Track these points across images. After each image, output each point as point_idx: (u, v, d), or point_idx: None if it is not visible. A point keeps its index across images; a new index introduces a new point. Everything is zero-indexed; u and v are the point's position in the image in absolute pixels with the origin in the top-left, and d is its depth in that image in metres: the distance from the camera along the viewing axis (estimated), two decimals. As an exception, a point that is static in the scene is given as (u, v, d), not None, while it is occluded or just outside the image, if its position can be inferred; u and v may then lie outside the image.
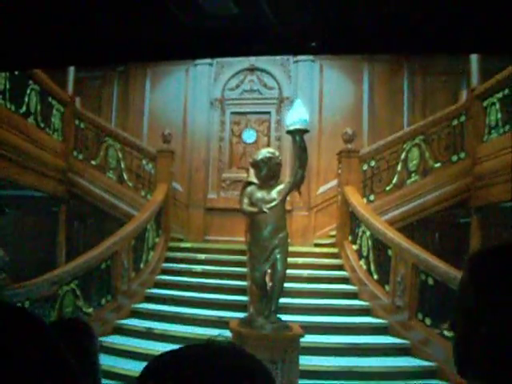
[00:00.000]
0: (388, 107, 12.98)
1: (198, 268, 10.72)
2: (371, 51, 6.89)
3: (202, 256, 11.07)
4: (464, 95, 10.99)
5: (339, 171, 11.30)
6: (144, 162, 11.77)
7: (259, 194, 7.26)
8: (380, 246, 9.89)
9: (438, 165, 10.98)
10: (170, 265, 11.00)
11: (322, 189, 12.92)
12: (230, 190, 13.12)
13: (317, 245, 12.34)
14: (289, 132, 7.07)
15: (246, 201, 7.34)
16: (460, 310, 1.41)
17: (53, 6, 2.87)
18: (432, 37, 2.92)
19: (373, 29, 2.83)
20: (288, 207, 12.42)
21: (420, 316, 8.77)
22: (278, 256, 7.08)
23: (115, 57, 3.92)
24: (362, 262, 10.36)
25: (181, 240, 12.29)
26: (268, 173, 7.24)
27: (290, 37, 2.95)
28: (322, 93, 13.13)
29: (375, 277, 10.00)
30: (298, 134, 6.97)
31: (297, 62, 13.12)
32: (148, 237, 10.59)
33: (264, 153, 7.31)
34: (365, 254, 10.34)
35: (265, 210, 6.97)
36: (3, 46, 3.27)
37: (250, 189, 7.39)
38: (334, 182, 12.70)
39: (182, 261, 11.08)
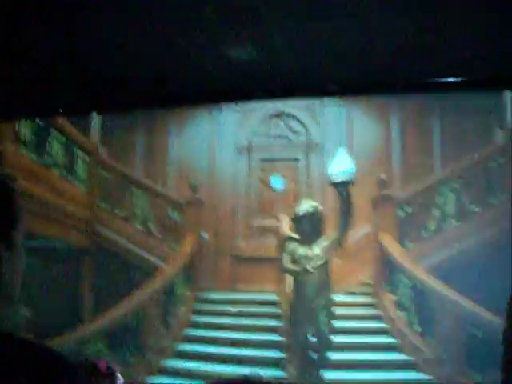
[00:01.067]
0: (418, 148, 12.33)
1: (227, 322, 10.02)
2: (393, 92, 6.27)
3: (232, 308, 10.32)
4: (500, 134, 10.30)
5: (374, 217, 10.60)
6: (171, 211, 11.13)
7: (301, 251, 6.64)
8: (422, 297, 9.14)
9: (477, 209, 10.26)
10: (199, 318, 10.29)
11: (353, 235, 12.18)
12: (259, 238, 12.44)
13: (350, 293, 11.63)
14: (333, 184, 6.41)
15: (287, 258, 6.68)
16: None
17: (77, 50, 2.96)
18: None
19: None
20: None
21: (468, 370, 7.98)
22: (323, 319, 6.40)
23: (144, 104, 4.04)
24: (402, 313, 9.60)
25: (209, 290, 11.60)
26: (311, 228, 6.60)
27: (310, 80, 2.93)
28: (351, 136, 12.50)
29: (418, 329, 9.23)
30: (343, 187, 6.32)
31: (323, 106, 12.53)
32: (176, 290, 9.91)
33: (306, 207, 6.68)
34: (406, 305, 9.59)
35: (310, 269, 6.31)
36: (28, 92, 3.28)
37: (291, 245, 6.73)
38: (366, 229, 12.04)
39: (210, 314, 10.37)
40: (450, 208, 10.51)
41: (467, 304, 8.30)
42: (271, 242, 12.25)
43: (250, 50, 2.70)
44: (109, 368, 2.29)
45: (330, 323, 6.47)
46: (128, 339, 8.75)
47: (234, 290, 12.03)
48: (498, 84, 3.81)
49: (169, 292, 9.71)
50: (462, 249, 10.20)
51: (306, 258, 6.52)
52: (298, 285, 6.62)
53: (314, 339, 6.64)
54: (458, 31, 2.70)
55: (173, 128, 13.08)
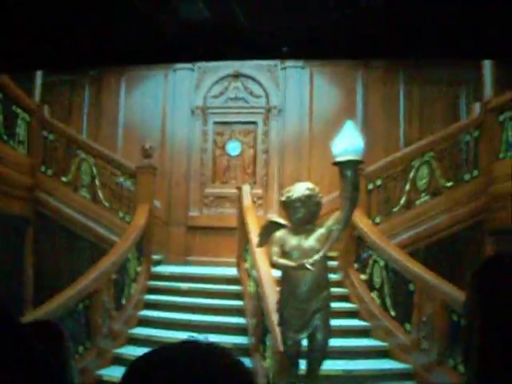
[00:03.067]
0: (383, 117, 11.31)
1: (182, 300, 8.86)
2: (344, 56, 5.75)
3: (185, 286, 9.07)
4: (476, 108, 9.31)
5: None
6: (121, 178, 9.69)
7: (293, 241, 5.40)
8: (398, 279, 8.10)
9: (449, 184, 9.40)
10: (153, 297, 8.99)
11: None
12: (213, 207, 11.20)
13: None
14: (338, 164, 5.14)
15: (276, 249, 5.42)
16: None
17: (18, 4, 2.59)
18: (430, 41, 2.68)
19: (347, 32, 2.65)
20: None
21: (451, 362, 6.97)
22: (319, 322, 5.22)
23: (87, 60, 3.51)
24: (374, 295, 8.59)
25: (159, 262, 10.28)
26: (306, 215, 5.36)
27: (262, 41, 2.74)
28: (313, 101, 11.39)
29: (392, 313, 8.21)
30: (350, 167, 5.08)
31: (285, 68, 11.34)
32: (129, 267, 8.59)
33: (301, 189, 5.42)
34: (377, 285, 8.56)
35: (308, 266, 5.07)
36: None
37: (280, 234, 5.49)
38: (327, 198, 10.93)
39: (164, 292, 9.08)
40: (423, 183, 9.49)
41: (449, 289, 7.26)
42: (227, 212, 11.09)
43: (201, 8, 2.51)
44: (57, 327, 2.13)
45: (326, 328, 5.29)
46: (77, 326, 7.40)
47: (188, 262, 10.82)
48: (478, 54, 3.67)
49: (121, 269, 8.36)
50: (432, 225, 9.25)
51: (300, 250, 5.30)
52: (288, 282, 5.38)
53: (305, 345, 5.45)
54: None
55: (123, 87, 11.58)
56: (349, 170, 5.15)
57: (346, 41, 2.79)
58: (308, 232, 5.43)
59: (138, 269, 8.98)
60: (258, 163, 11.26)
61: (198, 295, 8.94)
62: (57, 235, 9.57)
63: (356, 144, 5.23)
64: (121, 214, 9.61)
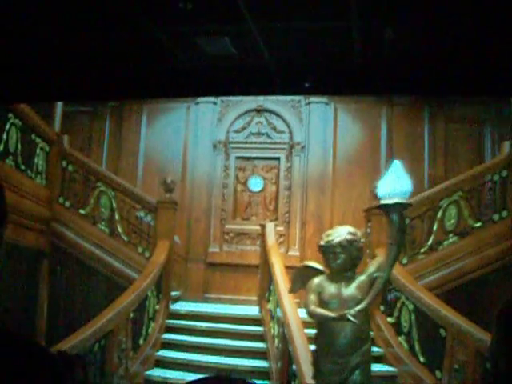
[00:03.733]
0: (407, 155, 10.73)
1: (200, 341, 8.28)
2: (367, 92, 5.85)
3: (204, 325, 8.49)
4: (505, 147, 8.83)
5: (368, 230, 8.94)
6: (142, 213, 9.17)
7: (332, 289, 4.86)
8: (428, 324, 7.51)
9: (477, 224, 8.84)
10: (171, 336, 8.42)
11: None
12: (233, 244, 10.66)
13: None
14: (384, 206, 4.61)
15: (313, 298, 4.88)
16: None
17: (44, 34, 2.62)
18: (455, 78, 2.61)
19: (366, 70, 2.61)
20: (297, 263, 10.20)
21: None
22: (359, 378, 4.64)
23: (112, 92, 3.49)
24: (401, 339, 7.98)
25: (177, 299, 9.71)
26: (346, 261, 4.83)
27: (285, 77, 2.70)
28: (336, 138, 10.92)
29: (421, 359, 7.60)
30: (397, 211, 4.56)
31: (309, 103, 10.91)
32: (149, 306, 8.03)
33: (343, 233, 4.88)
34: (405, 329, 7.96)
35: (351, 318, 4.52)
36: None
37: (317, 281, 4.95)
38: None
39: (182, 331, 8.51)
40: (451, 223, 8.95)
41: (483, 335, 6.66)
42: (248, 249, 10.57)
43: (227, 43, 2.42)
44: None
45: (365, 385, 4.71)
46: (92, 367, 6.83)
47: (206, 300, 10.25)
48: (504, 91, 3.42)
49: (140, 308, 7.80)
50: (460, 267, 8.70)
51: (339, 299, 4.76)
52: (325, 333, 4.82)
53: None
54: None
55: (144, 118, 11.15)
56: (395, 213, 4.63)
57: (369, 76, 2.72)
58: (348, 279, 4.89)
59: (157, 307, 8.42)
60: (280, 200, 10.76)
61: (217, 335, 8.39)
62: (73, 268, 9.04)
63: (403, 186, 4.72)
64: (140, 249, 9.07)
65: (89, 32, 2.63)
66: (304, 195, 10.64)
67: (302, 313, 5.60)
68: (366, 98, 10.69)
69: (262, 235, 9.11)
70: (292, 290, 5.55)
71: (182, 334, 8.52)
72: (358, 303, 4.79)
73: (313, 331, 7.30)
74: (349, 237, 4.88)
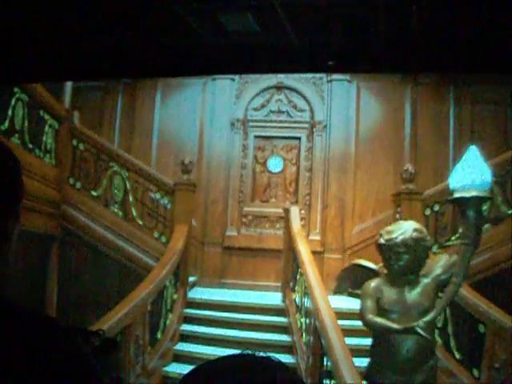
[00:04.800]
0: (432, 136, 9.90)
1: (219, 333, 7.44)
2: (392, 70, 5.80)
3: (224, 315, 7.67)
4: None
5: (397, 216, 8.06)
6: (158, 195, 8.25)
7: (393, 295, 4.01)
8: (465, 318, 6.70)
9: (511, 211, 7.98)
10: (189, 328, 7.57)
11: (357, 228, 9.73)
12: (251, 227, 9.76)
13: (349, 293, 9.19)
14: (458, 200, 3.74)
15: (370, 304, 4.02)
16: None
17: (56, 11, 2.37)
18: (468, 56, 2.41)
19: (392, 47, 2.43)
20: (318, 248, 9.33)
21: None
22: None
23: (131, 70, 3.16)
24: (435, 334, 7.10)
25: (193, 285, 8.85)
26: (411, 263, 3.96)
27: (309, 54, 2.54)
28: (359, 117, 9.96)
29: (457, 356, 6.77)
30: (474, 205, 3.67)
31: (330, 81, 9.98)
32: (167, 296, 7.16)
33: (408, 231, 4.02)
34: (440, 324, 7.11)
35: (420, 331, 3.67)
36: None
37: (374, 285, 4.09)
38: (371, 221, 9.57)
39: (200, 322, 7.68)
40: (484, 210, 8.07)
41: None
42: (267, 232, 9.71)
43: (250, 20, 2.26)
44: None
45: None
46: (107, 364, 6.00)
47: (223, 285, 9.40)
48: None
49: (158, 299, 6.94)
50: (493, 256, 7.88)
51: (402, 307, 3.92)
52: (384, 346, 3.97)
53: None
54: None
55: (158, 95, 10.16)
56: (472, 208, 3.76)
57: (394, 54, 2.51)
58: (411, 284, 4.04)
59: (175, 296, 7.55)
60: (301, 181, 9.83)
61: (237, 327, 7.54)
62: (84, 254, 8.14)
63: (482, 176, 3.84)
64: (156, 234, 8.16)
65: (107, 9, 2.40)
66: (325, 177, 9.73)
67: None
68: (390, 76, 9.79)
69: (286, 220, 8.22)
70: (338, 291, 4.73)
71: (200, 324, 7.67)
72: (423, 312, 3.95)
73: (345, 322, 6.60)
74: (415, 234, 4.01)
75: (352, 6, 2.43)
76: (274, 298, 8.32)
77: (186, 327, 7.62)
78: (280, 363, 0.90)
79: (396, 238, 3.98)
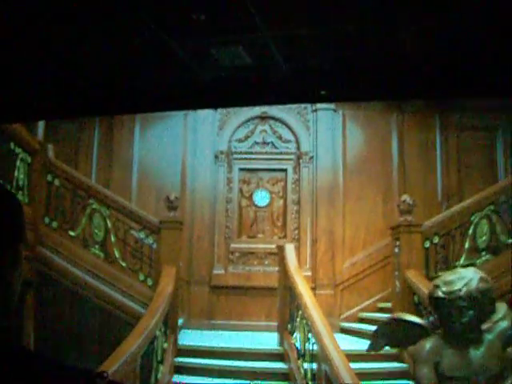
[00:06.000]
0: (419, 165, 9.31)
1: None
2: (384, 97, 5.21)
3: (218, 363, 6.75)
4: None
5: (396, 250, 7.34)
6: (142, 234, 7.31)
7: (455, 358, 3.24)
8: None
9: (511, 241, 7.44)
10: (181, 379, 6.61)
11: (348, 262, 8.97)
12: (239, 264, 8.89)
13: (344, 330, 8.42)
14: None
15: (428, 371, 3.21)
16: None
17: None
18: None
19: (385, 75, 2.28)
20: (310, 285, 8.51)
21: None
22: None
23: (121, 106, 2.80)
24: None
25: (181, 328, 7.89)
26: (475, 319, 3.18)
27: (302, 85, 2.43)
28: (346, 148, 9.28)
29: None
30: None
31: (315, 110, 9.27)
32: (157, 347, 6.20)
33: (473, 282, 3.27)
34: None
35: None
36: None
37: (431, 346, 3.28)
38: (362, 255, 8.87)
39: (192, 371, 6.74)
40: (483, 240, 7.50)
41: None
42: (255, 269, 8.85)
43: (242, 53, 2.12)
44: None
45: None
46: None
47: (212, 326, 8.48)
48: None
49: (148, 351, 5.99)
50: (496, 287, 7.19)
51: (467, 371, 3.12)
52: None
53: None
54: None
55: (137, 126, 9.22)
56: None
57: (384, 81, 2.30)
58: (475, 343, 3.25)
59: (165, 345, 6.58)
60: (289, 215, 9.01)
61: (231, 375, 6.62)
62: (62, 299, 7.12)
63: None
64: (141, 277, 7.19)
65: (98, 44, 2.23)
66: (314, 209, 8.95)
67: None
68: (376, 104, 9.17)
69: (281, 258, 7.37)
70: (373, 348, 3.88)
71: (191, 374, 6.71)
72: (492, 378, 3.15)
73: (357, 365, 5.76)
74: (481, 285, 3.24)
75: (341, 35, 2.21)
76: (268, 340, 7.47)
77: (179, 379, 6.65)
78: None
79: (460, 290, 3.20)
